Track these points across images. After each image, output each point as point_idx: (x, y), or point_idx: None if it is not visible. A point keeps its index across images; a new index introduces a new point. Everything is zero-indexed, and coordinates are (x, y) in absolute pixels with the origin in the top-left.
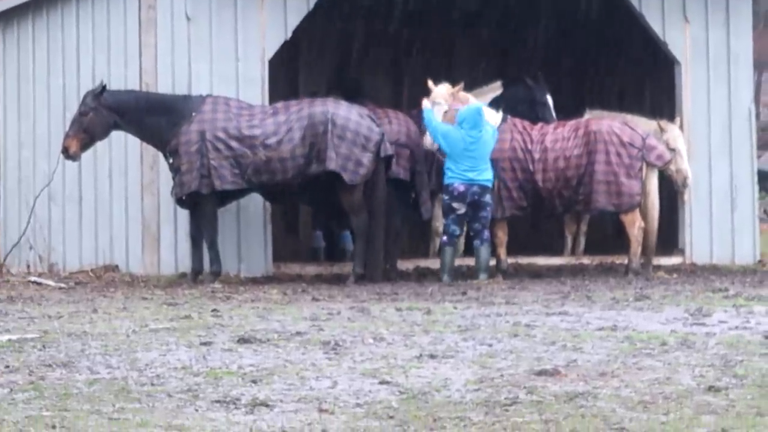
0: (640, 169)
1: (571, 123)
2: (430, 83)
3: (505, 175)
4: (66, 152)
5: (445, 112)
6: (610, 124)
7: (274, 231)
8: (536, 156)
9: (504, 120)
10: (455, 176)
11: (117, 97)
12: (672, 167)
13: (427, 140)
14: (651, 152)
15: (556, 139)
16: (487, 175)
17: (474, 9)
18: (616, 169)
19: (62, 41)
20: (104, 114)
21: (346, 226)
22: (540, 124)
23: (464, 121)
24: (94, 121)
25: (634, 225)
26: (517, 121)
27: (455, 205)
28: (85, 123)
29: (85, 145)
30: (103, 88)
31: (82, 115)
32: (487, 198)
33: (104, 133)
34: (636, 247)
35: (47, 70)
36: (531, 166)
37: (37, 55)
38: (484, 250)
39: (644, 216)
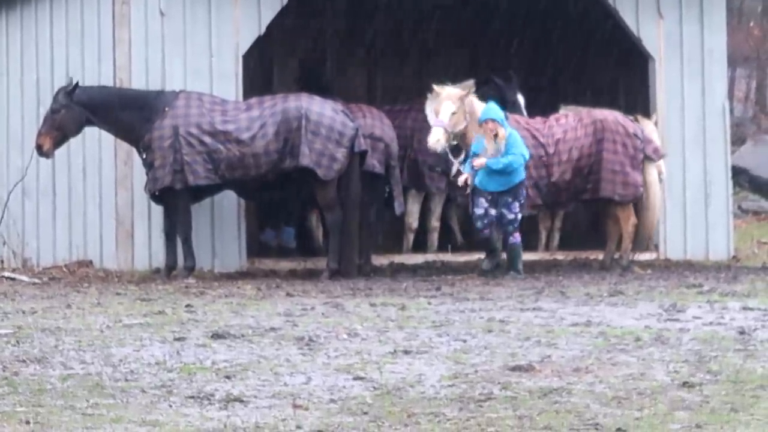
0: (642, 161)
1: (574, 113)
2: (436, 87)
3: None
4: (39, 150)
5: (453, 113)
6: (615, 114)
7: (248, 226)
8: (551, 150)
9: (506, 118)
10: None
11: (89, 94)
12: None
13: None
14: (649, 145)
15: (565, 129)
16: None
17: (447, 4)
18: (623, 159)
19: (36, 36)
20: (76, 111)
21: (290, 221)
22: (539, 117)
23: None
24: (66, 119)
25: (629, 221)
26: (517, 117)
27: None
28: (57, 120)
29: (58, 143)
30: (76, 85)
31: (54, 112)
32: None
33: (77, 130)
34: (628, 243)
35: (21, 64)
36: (545, 160)
37: (10, 49)
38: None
39: (647, 208)
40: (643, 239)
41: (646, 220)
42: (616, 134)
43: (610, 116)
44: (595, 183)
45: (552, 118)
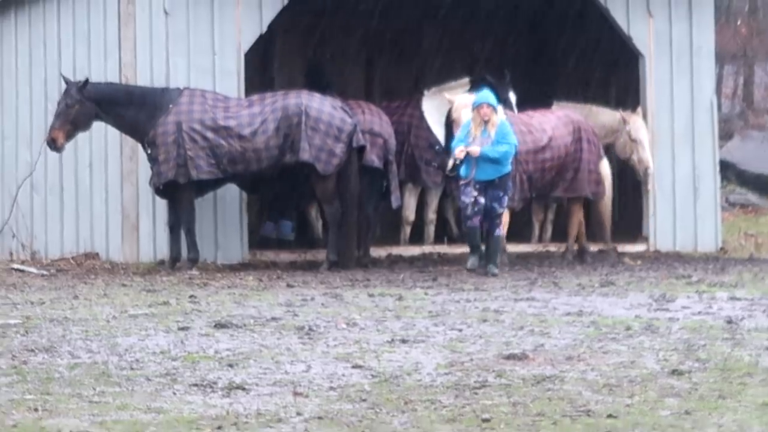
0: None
1: (551, 111)
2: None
3: (521, 167)
4: (53, 144)
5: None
6: (579, 115)
7: (249, 219)
8: (545, 148)
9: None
10: None
11: (99, 90)
12: (634, 157)
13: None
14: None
15: (553, 127)
16: None
17: (442, 2)
18: (595, 158)
19: (44, 35)
20: (88, 106)
21: (288, 214)
22: (527, 112)
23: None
24: (79, 114)
25: (578, 217)
26: (513, 113)
27: None
28: (71, 115)
29: (70, 137)
30: (86, 81)
31: (68, 107)
32: None
33: (87, 125)
34: (574, 237)
35: (29, 62)
36: (540, 156)
37: (19, 48)
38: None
39: (602, 201)
40: (603, 231)
41: (603, 211)
42: (589, 134)
43: (581, 116)
44: (572, 181)
45: (539, 113)
